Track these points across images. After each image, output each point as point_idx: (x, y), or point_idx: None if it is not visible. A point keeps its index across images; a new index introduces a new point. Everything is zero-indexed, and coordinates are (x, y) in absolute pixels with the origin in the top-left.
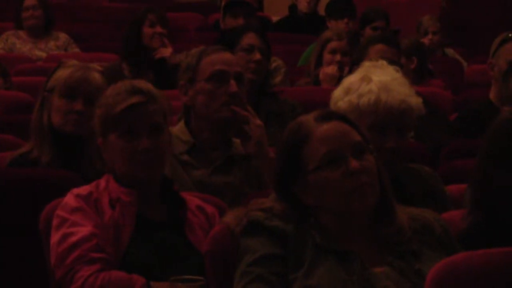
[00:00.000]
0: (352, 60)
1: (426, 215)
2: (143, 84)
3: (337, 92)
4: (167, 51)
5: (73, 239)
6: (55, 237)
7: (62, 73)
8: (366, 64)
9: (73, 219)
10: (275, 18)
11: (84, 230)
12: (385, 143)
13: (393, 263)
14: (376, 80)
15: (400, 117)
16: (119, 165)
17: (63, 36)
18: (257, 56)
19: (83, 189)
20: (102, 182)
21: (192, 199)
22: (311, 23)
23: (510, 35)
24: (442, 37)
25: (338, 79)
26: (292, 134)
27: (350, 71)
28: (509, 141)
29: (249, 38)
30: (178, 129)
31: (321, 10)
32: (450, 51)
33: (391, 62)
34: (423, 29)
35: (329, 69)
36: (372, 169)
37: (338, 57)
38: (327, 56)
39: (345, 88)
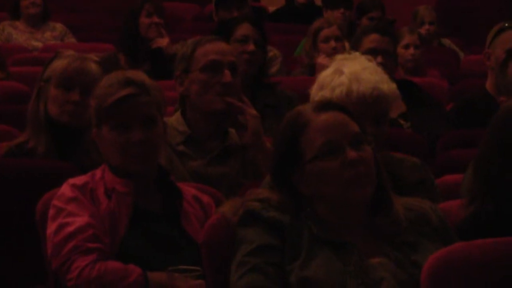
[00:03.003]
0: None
1: (423, 206)
2: (136, 75)
3: (313, 89)
4: (163, 41)
5: (69, 229)
6: (51, 227)
7: (58, 64)
8: (338, 57)
9: (69, 209)
10: (271, 8)
11: (80, 220)
12: None
13: (390, 254)
14: (347, 72)
15: (375, 104)
16: (112, 157)
17: (59, 26)
18: (251, 47)
19: (79, 179)
20: (98, 172)
21: (188, 189)
22: (308, 13)
23: (506, 24)
24: (438, 27)
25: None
26: (290, 123)
27: None
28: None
29: (244, 29)
30: (174, 119)
31: (318, 0)
32: (446, 41)
33: (384, 52)
34: (420, 19)
35: (321, 59)
36: (369, 159)
37: (332, 43)
38: (321, 45)
39: (319, 83)
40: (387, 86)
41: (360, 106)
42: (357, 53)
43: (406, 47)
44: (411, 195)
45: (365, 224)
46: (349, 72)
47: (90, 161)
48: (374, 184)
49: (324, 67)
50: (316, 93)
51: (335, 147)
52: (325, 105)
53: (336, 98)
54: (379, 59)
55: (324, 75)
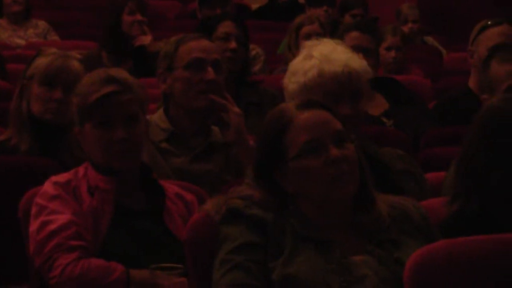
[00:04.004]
0: None
1: (405, 203)
2: (118, 72)
3: (286, 78)
4: (146, 39)
5: (52, 227)
6: (34, 225)
7: (41, 61)
8: (308, 43)
9: (51, 207)
10: (254, 6)
11: (63, 218)
12: (339, 111)
13: (372, 252)
14: (316, 54)
15: (349, 82)
16: (95, 154)
17: (42, 24)
18: (233, 44)
19: (62, 177)
20: (81, 170)
21: (171, 187)
22: (291, 11)
23: (489, 22)
24: (422, 25)
25: None
26: (273, 121)
27: None
28: (503, 130)
29: (225, 27)
30: (157, 117)
31: None
32: (429, 39)
33: (365, 49)
34: (403, 17)
35: None
36: (352, 157)
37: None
38: (302, 42)
39: (291, 71)
40: (359, 63)
41: (334, 86)
42: (325, 39)
43: (388, 49)
44: (399, 182)
45: (348, 221)
46: (319, 54)
47: (73, 158)
48: (357, 182)
49: None
50: (289, 80)
51: (318, 145)
52: (308, 103)
53: (309, 81)
54: (360, 56)
55: (295, 62)
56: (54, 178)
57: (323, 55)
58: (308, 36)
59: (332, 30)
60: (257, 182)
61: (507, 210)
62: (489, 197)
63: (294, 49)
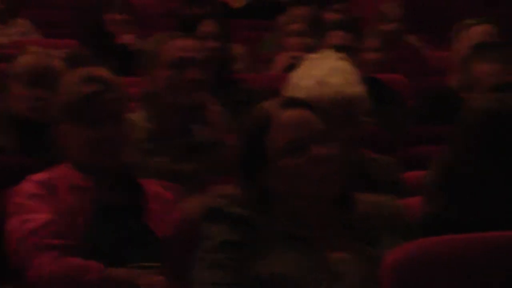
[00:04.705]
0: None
1: (385, 201)
2: (100, 72)
3: (287, 90)
4: (129, 37)
5: (31, 225)
6: (12, 224)
7: (23, 60)
8: (310, 56)
9: (30, 205)
10: (236, 5)
11: (41, 216)
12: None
13: (353, 249)
14: (313, 75)
15: (339, 108)
16: (77, 153)
17: (24, 23)
18: (214, 43)
19: (41, 175)
20: (61, 168)
21: (151, 186)
22: (273, 9)
23: (471, 21)
24: (404, 24)
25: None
26: (256, 120)
27: None
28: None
29: (206, 26)
30: (138, 116)
31: None
32: (411, 38)
33: (348, 48)
34: (386, 16)
35: (281, 56)
36: (335, 156)
37: (299, 39)
38: (288, 40)
39: (292, 85)
40: (352, 89)
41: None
42: (329, 52)
43: (368, 50)
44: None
45: (329, 219)
46: (315, 75)
47: (53, 157)
48: (340, 180)
49: (282, 65)
50: (288, 93)
51: (301, 144)
52: (291, 102)
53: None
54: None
55: (296, 76)
56: (33, 177)
57: (318, 77)
58: (294, 35)
59: (315, 29)
60: (239, 181)
61: (494, 212)
62: (468, 197)
63: (280, 48)
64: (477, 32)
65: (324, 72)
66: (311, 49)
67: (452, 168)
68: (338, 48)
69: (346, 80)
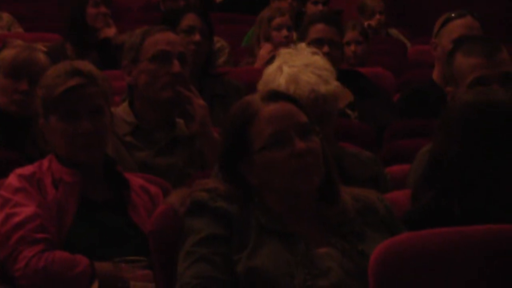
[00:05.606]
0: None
1: (370, 196)
2: (83, 65)
3: (260, 84)
4: (111, 31)
5: (16, 219)
6: None
7: (6, 53)
8: (283, 51)
9: (16, 199)
10: None
11: (27, 210)
12: None
13: (336, 244)
14: (286, 71)
15: (313, 106)
16: (60, 147)
17: (6, 16)
18: (197, 37)
19: (26, 169)
20: (45, 162)
21: (136, 180)
22: (255, 3)
23: (453, 14)
24: (386, 17)
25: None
26: (238, 113)
27: None
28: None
29: (189, 19)
30: (121, 110)
31: None
32: (393, 32)
33: (330, 41)
34: (367, 9)
35: (263, 50)
36: (317, 150)
37: (284, 32)
38: (273, 34)
39: (264, 80)
40: (325, 87)
41: None
42: (303, 45)
43: (348, 44)
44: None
45: (312, 214)
46: (288, 73)
47: (38, 151)
48: (322, 174)
49: (265, 58)
50: (262, 89)
51: (283, 137)
52: (274, 95)
53: None
54: (325, 49)
55: (269, 72)
56: (18, 171)
57: (291, 75)
58: (279, 28)
59: (297, 22)
60: (222, 174)
61: (479, 206)
62: (464, 192)
63: (263, 41)
64: (458, 25)
65: (297, 69)
66: (294, 42)
67: (438, 161)
68: (320, 41)
69: (319, 77)
